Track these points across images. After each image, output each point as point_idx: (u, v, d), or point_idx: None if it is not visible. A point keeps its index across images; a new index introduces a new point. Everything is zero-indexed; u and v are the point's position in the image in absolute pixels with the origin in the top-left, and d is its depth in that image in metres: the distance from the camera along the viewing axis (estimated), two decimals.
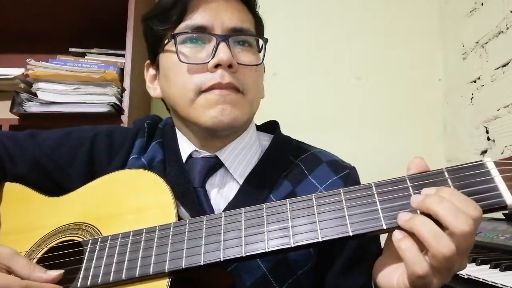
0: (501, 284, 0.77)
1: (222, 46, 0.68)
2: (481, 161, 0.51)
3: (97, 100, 1.45)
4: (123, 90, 1.49)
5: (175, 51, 0.70)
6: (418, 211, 0.49)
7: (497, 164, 0.50)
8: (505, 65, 1.39)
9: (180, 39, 0.70)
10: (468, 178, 0.50)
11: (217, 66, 0.68)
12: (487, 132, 1.50)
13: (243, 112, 0.71)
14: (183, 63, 0.69)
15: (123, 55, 1.52)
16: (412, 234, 0.48)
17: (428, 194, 0.49)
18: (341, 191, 0.54)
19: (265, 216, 0.55)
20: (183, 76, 0.70)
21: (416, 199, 0.49)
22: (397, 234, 0.49)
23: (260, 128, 0.85)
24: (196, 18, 0.70)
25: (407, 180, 0.52)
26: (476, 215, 0.46)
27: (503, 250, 1.00)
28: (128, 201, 0.65)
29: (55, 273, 0.58)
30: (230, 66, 0.68)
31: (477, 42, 1.56)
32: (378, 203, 0.52)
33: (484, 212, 0.48)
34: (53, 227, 0.68)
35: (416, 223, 0.47)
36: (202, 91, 0.69)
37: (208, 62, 0.68)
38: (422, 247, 0.47)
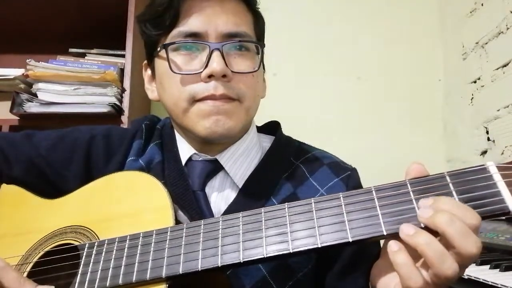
0: (501, 285, 0.77)
1: (216, 55, 0.66)
2: (483, 165, 0.50)
3: (97, 101, 1.45)
4: (123, 90, 1.49)
5: (167, 60, 0.68)
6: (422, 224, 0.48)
7: (499, 168, 0.49)
8: (505, 65, 1.39)
9: (173, 47, 0.69)
10: (470, 183, 0.49)
11: (210, 76, 0.66)
12: (487, 132, 1.50)
13: (238, 121, 0.69)
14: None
15: (123, 56, 1.52)
16: (407, 245, 0.47)
17: (437, 210, 0.47)
18: (341, 195, 0.53)
19: (263, 221, 0.54)
20: (176, 86, 0.69)
21: (424, 214, 0.47)
22: (393, 246, 0.47)
23: (261, 129, 0.84)
24: (190, 24, 0.68)
25: (408, 185, 0.51)
26: (477, 224, 0.46)
27: (503, 250, 1.00)
28: (125, 204, 0.64)
29: None
30: (224, 75, 0.67)
31: (477, 43, 1.56)
32: (378, 208, 0.50)
33: (486, 218, 0.47)
34: (49, 230, 0.67)
35: (420, 242, 0.46)
36: (195, 101, 0.68)
37: (201, 72, 0.67)
38: (416, 256, 0.47)
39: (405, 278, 0.46)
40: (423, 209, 0.48)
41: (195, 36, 0.68)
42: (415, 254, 0.47)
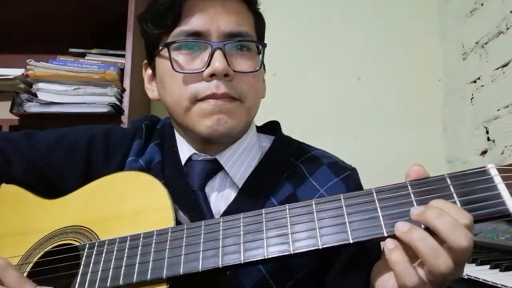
0: (501, 285, 0.77)
1: (218, 54, 0.67)
2: (483, 167, 0.50)
3: (97, 101, 1.45)
4: (123, 90, 1.49)
5: (169, 58, 0.68)
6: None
7: (500, 170, 0.49)
8: (505, 65, 1.39)
9: (175, 46, 0.69)
10: (470, 185, 0.49)
11: (212, 75, 0.67)
12: (487, 132, 1.50)
13: (239, 120, 0.70)
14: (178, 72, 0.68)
15: (123, 56, 1.52)
16: (404, 243, 0.47)
17: (427, 206, 0.48)
18: (342, 197, 0.53)
19: (264, 222, 0.54)
20: (178, 85, 0.69)
21: (415, 211, 0.49)
22: (388, 244, 0.48)
23: (260, 129, 0.84)
24: (192, 23, 0.68)
25: (409, 187, 0.51)
26: (469, 224, 0.46)
27: (503, 250, 1.00)
28: (125, 204, 0.64)
29: None
30: (226, 75, 0.67)
31: (477, 43, 1.56)
32: (379, 209, 0.51)
33: (487, 220, 0.48)
34: (49, 230, 0.67)
35: (414, 238, 0.47)
36: (197, 100, 0.68)
37: (203, 70, 0.67)
38: (413, 254, 0.47)
39: (400, 276, 0.47)
40: (417, 207, 0.49)
41: (197, 35, 0.68)
42: (411, 253, 0.47)
